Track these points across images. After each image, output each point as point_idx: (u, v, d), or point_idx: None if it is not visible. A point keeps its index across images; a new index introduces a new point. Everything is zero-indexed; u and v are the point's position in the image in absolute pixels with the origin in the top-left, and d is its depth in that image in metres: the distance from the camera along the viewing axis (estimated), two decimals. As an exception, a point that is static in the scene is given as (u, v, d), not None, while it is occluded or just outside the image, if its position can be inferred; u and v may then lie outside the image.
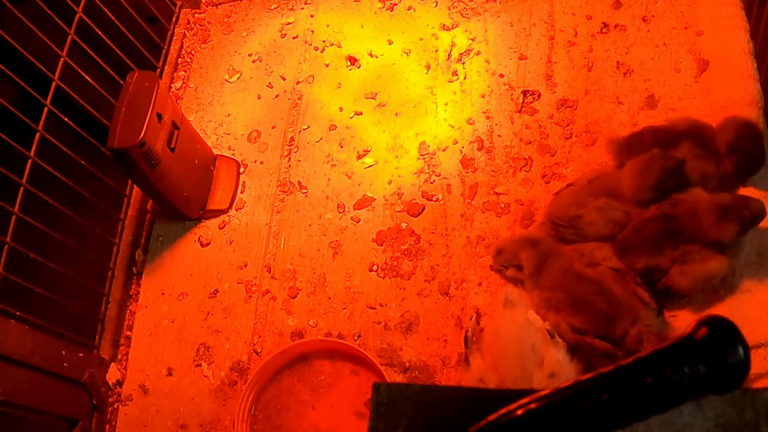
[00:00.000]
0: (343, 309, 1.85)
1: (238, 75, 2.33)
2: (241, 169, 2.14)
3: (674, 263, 1.53)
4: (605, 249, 1.61)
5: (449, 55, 2.14)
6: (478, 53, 2.11)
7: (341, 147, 2.09)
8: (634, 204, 1.61)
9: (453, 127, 2.02)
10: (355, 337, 1.80)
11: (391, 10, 2.29)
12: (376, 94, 2.15)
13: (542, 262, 1.63)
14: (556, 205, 1.72)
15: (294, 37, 2.35)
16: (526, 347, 1.50)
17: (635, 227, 1.59)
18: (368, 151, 2.06)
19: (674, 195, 1.58)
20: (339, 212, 1.99)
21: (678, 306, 1.59)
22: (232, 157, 2.16)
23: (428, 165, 1.98)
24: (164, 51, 2.41)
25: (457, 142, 1.99)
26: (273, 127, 2.19)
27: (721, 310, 1.56)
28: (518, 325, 1.54)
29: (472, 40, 2.14)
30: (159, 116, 1.82)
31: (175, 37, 2.46)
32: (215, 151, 2.16)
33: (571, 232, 1.66)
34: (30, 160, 1.74)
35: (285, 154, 2.13)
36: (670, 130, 1.68)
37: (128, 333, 2.00)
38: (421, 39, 2.20)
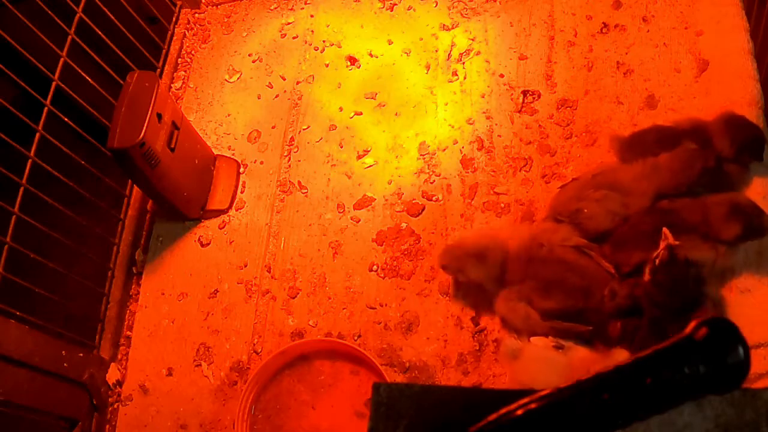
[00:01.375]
0: (343, 309, 1.85)
1: (238, 75, 2.33)
2: (241, 169, 2.14)
3: None
4: (563, 230, 1.61)
5: (449, 55, 2.14)
6: (478, 53, 2.11)
7: (341, 147, 2.09)
8: (656, 199, 1.60)
9: (453, 127, 2.02)
10: (355, 337, 1.80)
11: (391, 10, 2.29)
12: (376, 94, 2.15)
13: (497, 270, 1.63)
14: (559, 199, 1.72)
15: (294, 37, 2.35)
16: (561, 370, 1.50)
17: (632, 222, 1.59)
18: (368, 151, 2.06)
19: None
20: (339, 212, 1.99)
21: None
22: (232, 157, 2.16)
23: (428, 165, 1.98)
24: (164, 51, 2.41)
25: (457, 142, 1.99)
26: (273, 127, 2.19)
27: (721, 310, 1.56)
28: (541, 362, 1.53)
29: (472, 40, 2.14)
30: (159, 116, 1.82)
31: (175, 37, 2.46)
32: (215, 151, 2.16)
33: (571, 227, 1.66)
34: (30, 160, 1.74)
35: (285, 154, 2.13)
36: (673, 130, 1.68)
37: (128, 333, 2.00)
38: (421, 39, 2.20)
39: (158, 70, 2.35)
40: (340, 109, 2.16)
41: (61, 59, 1.87)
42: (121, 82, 1.85)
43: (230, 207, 2.09)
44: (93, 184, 1.97)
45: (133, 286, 2.07)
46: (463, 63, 2.11)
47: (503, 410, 0.71)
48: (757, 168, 1.66)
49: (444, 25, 2.19)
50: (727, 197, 1.53)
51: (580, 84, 1.96)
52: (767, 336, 1.51)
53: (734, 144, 1.60)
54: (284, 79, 2.27)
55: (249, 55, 2.36)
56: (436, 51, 2.16)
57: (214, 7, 2.52)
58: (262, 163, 2.14)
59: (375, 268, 1.88)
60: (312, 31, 2.34)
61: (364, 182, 2.02)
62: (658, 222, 1.54)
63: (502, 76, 2.05)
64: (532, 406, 0.70)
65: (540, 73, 2.01)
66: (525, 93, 2.00)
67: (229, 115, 2.26)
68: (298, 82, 2.25)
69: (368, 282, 1.87)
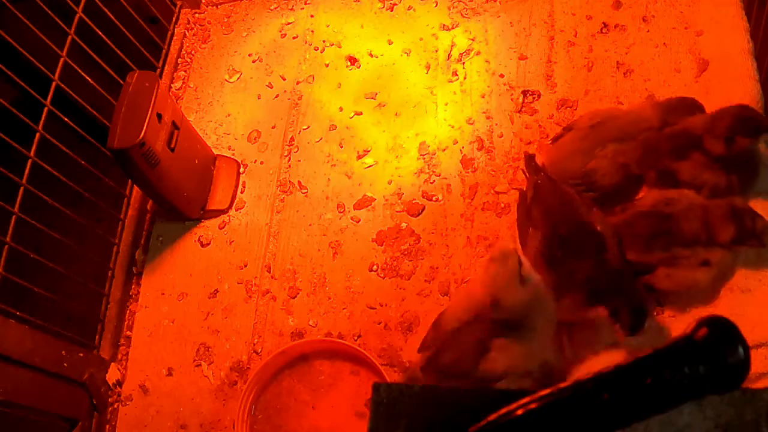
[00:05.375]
0: (343, 309, 1.85)
1: (238, 75, 2.33)
2: (241, 169, 2.14)
3: (662, 264, 1.53)
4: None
5: (449, 55, 2.14)
6: (478, 53, 2.11)
7: (341, 147, 2.09)
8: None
9: (453, 127, 2.02)
10: (355, 337, 1.80)
11: (391, 10, 2.29)
12: (376, 94, 2.15)
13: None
14: (557, 156, 1.70)
15: (294, 37, 2.35)
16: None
17: (628, 220, 1.58)
18: (368, 151, 2.06)
19: (668, 194, 1.58)
20: (339, 212, 1.99)
21: (675, 305, 1.59)
22: (232, 157, 2.16)
23: (428, 165, 1.98)
24: (164, 51, 2.41)
25: (457, 142, 1.99)
26: (273, 127, 2.19)
27: (721, 310, 1.56)
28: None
29: (472, 40, 2.14)
30: (159, 116, 1.82)
31: (175, 37, 2.46)
32: (215, 151, 2.16)
33: (583, 189, 1.65)
34: (30, 160, 1.74)
35: (285, 154, 2.13)
36: (683, 135, 1.65)
37: (128, 333, 2.00)
38: (421, 39, 2.20)
39: (158, 70, 2.35)
40: (340, 109, 2.16)
41: (61, 59, 1.87)
42: (121, 82, 1.85)
43: (230, 207, 2.09)
44: (93, 184, 1.97)
45: (133, 286, 2.07)
46: (463, 63, 2.11)
47: (503, 410, 0.71)
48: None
49: (444, 25, 2.19)
50: (726, 201, 1.52)
51: (580, 84, 1.95)
52: (767, 336, 1.51)
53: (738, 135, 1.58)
54: (284, 79, 2.27)
55: (249, 55, 2.36)
56: (436, 51, 2.16)
57: (214, 7, 2.52)
58: (262, 163, 2.14)
59: (375, 268, 1.88)
60: (312, 31, 2.34)
61: (364, 182, 2.02)
62: (654, 227, 1.53)
63: (502, 76, 2.05)
64: (532, 406, 0.70)
65: (540, 73, 2.01)
66: (525, 93, 2.00)
67: (229, 115, 2.26)
68: (298, 82, 2.25)
69: (368, 282, 1.87)
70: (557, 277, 1.51)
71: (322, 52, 2.29)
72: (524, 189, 1.70)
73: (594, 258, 1.48)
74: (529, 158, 1.72)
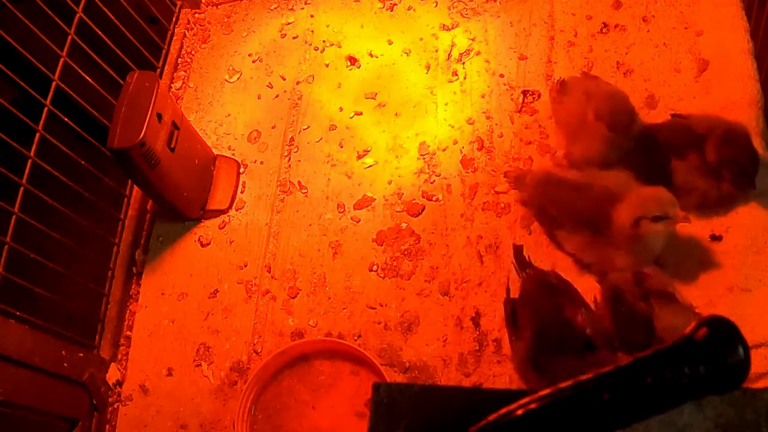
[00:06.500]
0: (343, 309, 1.85)
1: (238, 75, 2.33)
2: (241, 169, 2.14)
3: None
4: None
5: (449, 55, 2.14)
6: (478, 53, 2.11)
7: (341, 147, 2.09)
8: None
9: (453, 127, 2.02)
10: (355, 337, 1.80)
11: (391, 10, 2.29)
12: (376, 94, 2.15)
13: None
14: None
15: (294, 37, 2.35)
16: None
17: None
18: (368, 151, 2.06)
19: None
20: (339, 212, 1.99)
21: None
22: (232, 157, 2.16)
23: (428, 165, 1.98)
24: (164, 51, 2.41)
25: (457, 142, 1.99)
26: (273, 127, 2.19)
27: (721, 310, 1.56)
28: None
29: (472, 40, 2.14)
30: (159, 116, 1.82)
31: (175, 37, 2.46)
32: (215, 151, 2.16)
33: None
34: (30, 160, 1.74)
35: (285, 154, 2.13)
36: (686, 132, 1.65)
37: (128, 333, 2.00)
38: (421, 39, 2.20)
39: (158, 70, 2.35)
40: (340, 109, 2.16)
41: (61, 59, 1.87)
42: (121, 82, 1.85)
43: (230, 207, 2.08)
44: (93, 184, 1.97)
45: (133, 286, 2.07)
46: (463, 63, 2.11)
47: (503, 410, 0.71)
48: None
49: (444, 25, 2.19)
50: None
51: (580, 84, 1.95)
52: (767, 336, 1.51)
53: (726, 167, 1.58)
54: (284, 79, 2.27)
55: (249, 55, 2.36)
56: (436, 51, 2.16)
57: (214, 7, 2.52)
58: (262, 163, 2.14)
59: (375, 268, 1.88)
60: (312, 31, 2.34)
61: (364, 182, 2.02)
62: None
63: (502, 76, 2.05)
64: (532, 406, 0.70)
65: (540, 73, 2.01)
66: (525, 93, 2.00)
67: (229, 115, 2.26)
68: (298, 82, 2.25)
69: (368, 282, 1.87)
70: (545, 381, 1.50)
71: (322, 52, 2.29)
72: (508, 286, 1.67)
73: (579, 359, 1.44)
74: (518, 250, 1.69)
